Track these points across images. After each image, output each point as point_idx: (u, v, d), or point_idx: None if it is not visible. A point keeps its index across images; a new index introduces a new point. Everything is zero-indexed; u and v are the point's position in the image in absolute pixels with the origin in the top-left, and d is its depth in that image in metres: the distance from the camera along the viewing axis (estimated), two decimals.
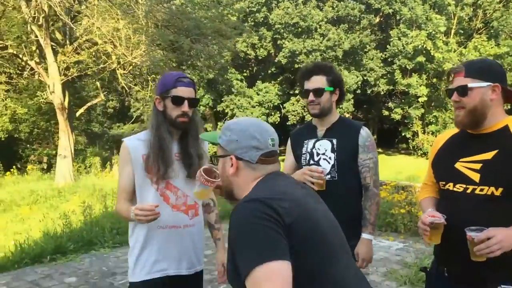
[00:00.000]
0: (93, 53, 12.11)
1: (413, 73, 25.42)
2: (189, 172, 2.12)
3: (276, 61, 26.58)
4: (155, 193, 2.08)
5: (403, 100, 26.80)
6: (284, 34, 25.65)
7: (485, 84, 1.75)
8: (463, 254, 1.71)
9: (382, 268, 4.72)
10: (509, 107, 20.63)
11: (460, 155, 1.86)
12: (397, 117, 25.95)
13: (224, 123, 28.05)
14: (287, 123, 27.33)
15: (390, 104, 26.92)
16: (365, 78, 25.70)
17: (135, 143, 2.12)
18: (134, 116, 26.87)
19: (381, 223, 6.24)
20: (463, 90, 1.77)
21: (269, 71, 29.27)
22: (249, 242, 1.18)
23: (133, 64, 11.94)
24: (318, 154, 2.38)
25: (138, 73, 14.10)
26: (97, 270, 4.87)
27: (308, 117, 25.63)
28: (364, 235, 2.33)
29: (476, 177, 1.77)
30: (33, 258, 5.07)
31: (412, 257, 5.06)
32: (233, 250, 1.23)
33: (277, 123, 27.41)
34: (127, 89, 13.03)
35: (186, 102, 2.07)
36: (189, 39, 11.59)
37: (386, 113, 26.94)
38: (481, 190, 1.75)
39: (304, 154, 2.43)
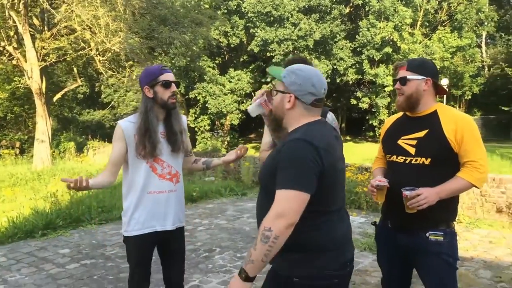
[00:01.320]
0: (73, 40, 12.22)
1: (380, 64, 26.25)
2: (174, 148, 2.59)
3: (248, 49, 26.89)
4: (145, 166, 2.53)
5: (370, 90, 27.69)
6: (257, 22, 25.95)
7: (420, 77, 2.30)
8: (401, 208, 2.27)
9: None
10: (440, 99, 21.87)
11: (401, 133, 2.41)
12: (364, 106, 26.82)
13: (196, 110, 28.46)
14: None
15: (358, 93, 27.75)
16: (334, 67, 26.36)
17: (128, 125, 2.53)
18: (105, 102, 26.87)
19: (346, 201, 6.87)
20: (403, 81, 2.32)
21: (241, 59, 29.59)
22: (294, 168, 1.68)
23: (112, 51, 12.13)
24: None
25: (114, 59, 14.24)
26: (87, 243, 5.29)
27: None
28: None
29: (412, 150, 2.32)
30: (25, 233, 5.44)
31: (372, 229, 5.68)
32: (280, 163, 1.72)
33: None
34: (105, 75, 13.20)
35: (173, 84, 2.55)
36: (167, 28, 11.86)
37: (354, 102, 27.77)
38: (416, 160, 2.31)
39: None
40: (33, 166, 11.54)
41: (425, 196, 2.15)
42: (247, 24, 26.36)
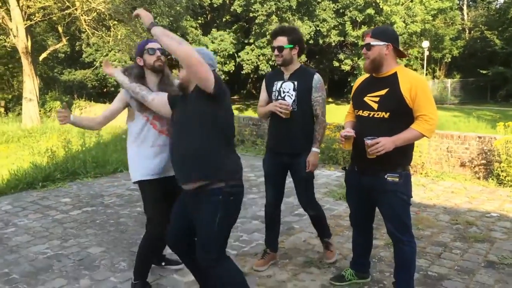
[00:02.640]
0: None
1: (362, 25, 26.41)
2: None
3: (231, 9, 26.69)
4: (145, 123, 2.97)
5: (353, 52, 27.95)
6: None
7: (381, 43, 2.71)
8: (365, 155, 2.73)
9: (323, 189, 5.87)
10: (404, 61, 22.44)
11: (367, 91, 2.84)
12: (346, 68, 27.19)
13: (179, 71, 28.33)
14: (242, 72, 27.94)
15: (341, 55, 28.00)
16: (317, 28, 26.45)
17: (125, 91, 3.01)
18: (86, 62, 26.58)
19: (325, 157, 7.41)
20: (368, 46, 2.73)
21: (224, 19, 29.39)
22: None
23: (97, 11, 12.14)
24: (283, 92, 3.30)
25: (98, 19, 14.21)
26: (85, 193, 5.72)
27: (261, 66, 26.36)
28: (313, 149, 3.30)
29: (375, 106, 2.77)
30: (26, 184, 5.83)
31: None
32: None
33: (231, 71, 27.96)
34: (90, 34, 13.24)
35: (157, 50, 2.93)
36: None
37: (336, 64, 28.07)
38: (378, 114, 2.75)
39: (274, 91, 3.36)
40: (22, 124, 11.75)
41: (383, 143, 2.61)
42: None
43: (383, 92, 2.73)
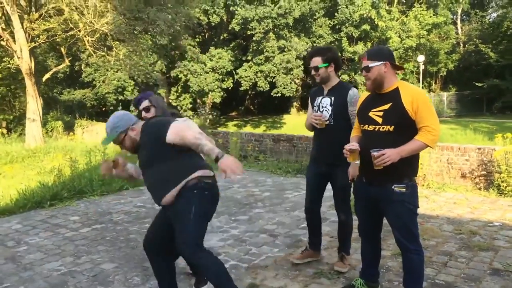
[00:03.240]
0: (62, 21, 12.40)
1: (358, 41, 26.81)
2: None
3: (229, 28, 27.06)
4: None
5: (349, 67, 28.32)
6: (237, 0, 26.11)
7: (379, 63, 2.85)
8: (372, 166, 2.84)
9: (330, 202, 5.96)
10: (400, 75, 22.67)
11: (371, 107, 2.97)
12: None
13: (177, 89, 28.67)
14: (240, 89, 28.19)
15: None
16: (314, 44, 26.83)
17: None
18: (85, 82, 26.80)
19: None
20: (367, 69, 2.87)
21: (222, 37, 29.78)
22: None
23: (100, 32, 12.37)
24: (322, 107, 3.59)
25: (100, 40, 14.45)
26: (93, 211, 5.79)
27: (259, 83, 26.58)
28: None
29: (380, 120, 2.89)
30: (34, 203, 5.90)
31: None
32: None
33: (230, 88, 28.24)
34: (93, 55, 13.45)
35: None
36: (154, 9, 12.15)
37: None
38: (383, 128, 2.87)
39: (315, 106, 3.66)
40: (26, 144, 11.86)
41: (388, 155, 2.73)
42: (228, 2, 26.48)
43: (386, 107, 2.86)
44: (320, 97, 3.65)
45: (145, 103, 3.36)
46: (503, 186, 6.12)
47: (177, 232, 2.74)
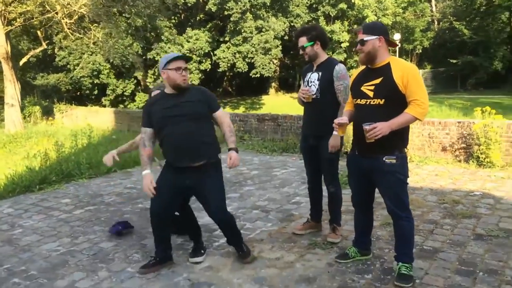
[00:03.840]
0: (39, 3, 12.06)
1: (336, 20, 26.88)
2: None
3: (206, 8, 26.68)
4: None
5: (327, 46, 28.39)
6: None
7: (374, 37, 2.96)
8: (364, 139, 2.96)
9: None
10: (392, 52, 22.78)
11: (363, 81, 3.08)
12: None
13: (154, 71, 28.31)
14: (218, 70, 27.99)
15: None
16: (292, 24, 26.74)
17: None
18: (59, 66, 26.17)
19: None
20: (362, 42, 2.97)
21: (198, 18, 29.37)
22: None
23: (79, 14, 12.10)
24: (310, 82, 3.74)
25: (78, 22, 14.12)
26: (84, 193, 5.81)
27: (238, 64, 26.45)
28: (334, 132, 3.55)
29: (371, 94, 3.00)
30: (23, 188, 5.88)
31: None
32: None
33: (208, 70, 28.01)
34: (72, 38, 13.16)
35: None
36: None
37: None
38: (374, 102, 2.99)
39: (305, 81, 3.81)
40: (5, 129, 11.64)
41: (379, 128, 2.85)
42: None
43: (377, 81, 2.97)
44: (310, 73, 3.80)
45: None
46: (482, 157, 6.38)
47: (213, 199, 3.28)
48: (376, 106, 2.97)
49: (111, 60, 21.07)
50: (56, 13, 11.95)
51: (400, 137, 3.01)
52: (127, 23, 21.76)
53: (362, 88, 3.06)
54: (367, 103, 3.02)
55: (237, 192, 5.63)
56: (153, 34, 25.79)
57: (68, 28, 12.81)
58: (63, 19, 12.22)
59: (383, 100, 2.94)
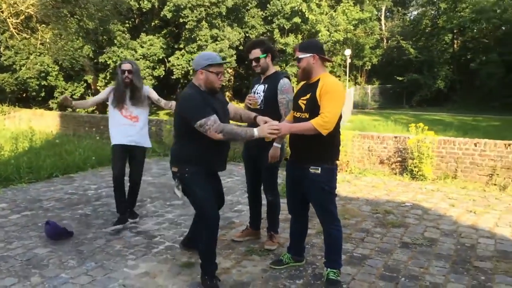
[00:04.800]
0: None
1: (290, 33, 27.47)
2: (133, 102, 4.58)
3: (161, 15, 26.51)
4: (115, 109, 4.59)
5: (281, 58, 28.93)
6: None
7: (308, 54, 3.15)
8: (297, 149, 3.14)
9: None
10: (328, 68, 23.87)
11: (301, 95, 3.26)
12: None
13: (106, 75, 27.71)
14: (172, 77, 27.82)
15: None
16: (247, 35, 27.09)
17: (109, 89, 4.71)
18: (5, 66, 25.09)
19: None
20: (298, 59, 3.17)
21: (153, 24, 29.12)
22: None
23: (26, 14, 11.72)
24: (257, 93, 3.88)
25: (25, 22, 13.66)
26: (22, 198, 5.65)
27: (191, 71, 26.34)
28: (274, 144, 3.72)
29: (303, 108, 3.19)
30: None
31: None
32: None
33: (162, 76, 27.77)
34: (18, 37, 12.70)
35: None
36: None
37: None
38: (303, 115, 3.17)
39: (252, 92, 3.94)
40: None
41: (280, 127, 3.03)
42: None
43: (308, 95, 3.17)
44: (257, 84, 3.96)
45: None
46: (415, 171, 6.77)
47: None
48: (304, 119, 3.15)
49: (60, 62, 20.46)
50: (2, 11, 11.55)
51: (325, 150, 3.16)
52: (78, 25, 21.28)
53: (299, 102, 3.24)
54: (300, 116, 3.21)
55: (180, 200, 5.67)
56: (105, 38, 25.29)
57: (14, 28, 12.38)
58: (9, 18, 11.82)
59: (308, 114, 3.13)
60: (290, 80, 3.94)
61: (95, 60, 26.44)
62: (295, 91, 3.45)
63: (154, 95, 4.74)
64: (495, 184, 6.35)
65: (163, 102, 4.69)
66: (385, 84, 32.79)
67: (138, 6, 26.14)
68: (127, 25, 27.25)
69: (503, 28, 28.04)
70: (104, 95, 4.71)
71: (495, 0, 26.87)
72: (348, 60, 29.14)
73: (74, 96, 26.62)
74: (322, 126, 2.98)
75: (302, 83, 3.40)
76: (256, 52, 3.82)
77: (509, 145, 6.35)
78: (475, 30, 30.52)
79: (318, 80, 3.16)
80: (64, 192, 5.98)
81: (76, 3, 12.76)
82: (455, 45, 32.17)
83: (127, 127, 4.56)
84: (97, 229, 4.52)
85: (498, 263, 3.75)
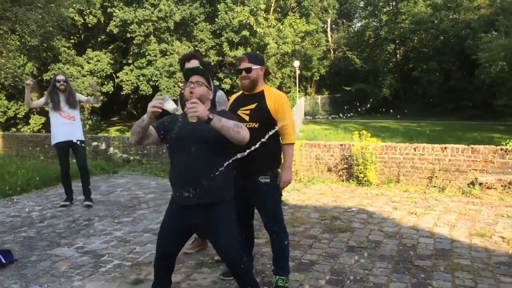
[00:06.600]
0: None
1: (239, 46, 27.75)
2: (69, 105, 5.87)
3: (107, 30, 26.09)
4: (55, 112, 5.81)
5: (232, 71, 29.15)
6: (114, 2, 25.34)
7: (258, 66, 3.26)
8: (244, 161, 3.21)
9: None
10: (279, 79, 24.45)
11: (240, 106, 3.35)
12: (227, 86, 28.23)
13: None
14: (122, 93, 27.38)
15: (220, 74, 29.04)
16: (196, 48, 27.12)
17: (46, 98, 5.94)
18: None
19: None
20: (249, 70, 3.25)
21: (100, 39, 28.61)
22: None
23: None
24: None
25: None
26: None
27: (142, 87, 26.02)
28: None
29: (247, 118, 3.28)
30: None
31: None
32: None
33: (111, 92, 27.27)
34: None
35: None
36: (23, 8, 11.36)
37: (217, 82, 28.97)
38: (249, 125, 3.25)
39: None
40: None
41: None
42: (104, 3, 25.54)
43: (253, 106, 3.26)
44: None
45: None
46: (361, 177, 7.02)
47: (223, 239, 2.79)
48: (250, 129, 3.23)
49: (1, 81, 19.70)
50: None
51: (273, 159, 3.32)
52: (20, 42, 20.56)
53: (239, 112, 3.32)
54: (247, 126, 3.28)
55: (130, 217, 5.60)
56: (49, 54, 24.55)
57: None
58: None
59: (257, 124, 3.22)
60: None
61: (39, 78, 25.57)
62: (230, 102, 3.53)
63: (83, 98, 6.17)
64: (434, 186, 6.69)
65: (91, 99, 6.33)
66: (334, 94, 33.75)
67: (83, 21, 25.62)
68: (72, 40, 26.63)
69: (441, 38, 29.66)
70: (43, 100, 5.95)
71: (431, 11, 28.42)
72: (297, 72, 29.78)
73: (18, 115, 25.61)
74: (293, 138, 3.32)
75: (236, 95, 3.50)
76: (195, 63, 3.88)
77: (445, 148, 6.72)
78: (415, 40, 32.12)
79: (262, 91, 3.28)
80: (6, 215, 5.75)
81: (16, 20, 12.34)
82: (397, 55, 33.66)
83: (68, 125, 5.84)
84: (41, 251, 4.38)
85: (436, 261, 3.97)
